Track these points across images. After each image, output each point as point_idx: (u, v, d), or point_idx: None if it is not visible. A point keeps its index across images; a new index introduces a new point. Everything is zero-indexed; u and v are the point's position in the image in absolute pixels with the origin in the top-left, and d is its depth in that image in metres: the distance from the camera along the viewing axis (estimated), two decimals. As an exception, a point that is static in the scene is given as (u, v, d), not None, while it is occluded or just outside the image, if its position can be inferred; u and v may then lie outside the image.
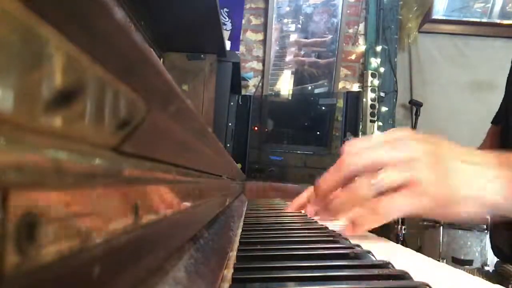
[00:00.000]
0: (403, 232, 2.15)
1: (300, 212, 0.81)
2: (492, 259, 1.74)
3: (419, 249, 2.00)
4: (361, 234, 0.59)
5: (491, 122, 0.91)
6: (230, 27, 2.60)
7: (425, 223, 2.04)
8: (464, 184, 0.42)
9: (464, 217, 0.43)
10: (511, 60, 0.85)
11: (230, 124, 2.00)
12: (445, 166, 0.43)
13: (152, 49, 0.90)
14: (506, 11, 2.85)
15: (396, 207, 0.43)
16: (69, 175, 0.11)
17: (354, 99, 2.42)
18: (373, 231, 0.61)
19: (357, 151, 0.45)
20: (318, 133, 2.55)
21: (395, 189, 0.43)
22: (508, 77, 0.86)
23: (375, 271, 0.32)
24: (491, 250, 0.88)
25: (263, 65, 2.68)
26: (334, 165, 0.47)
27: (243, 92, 2.54)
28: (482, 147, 0.91)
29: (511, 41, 2.82)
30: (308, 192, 0.80)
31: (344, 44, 2.70)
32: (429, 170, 0.42)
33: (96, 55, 0.11)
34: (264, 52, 2.68)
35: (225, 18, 2.56)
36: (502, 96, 0.88)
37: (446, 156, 0.44)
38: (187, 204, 0.27)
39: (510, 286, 0.76)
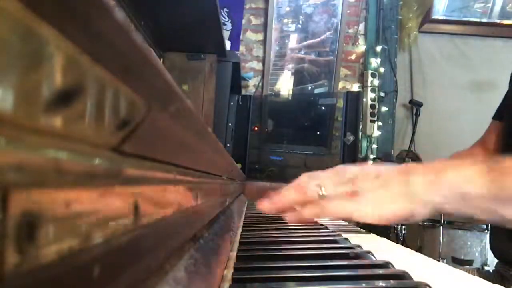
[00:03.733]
0: (403, 232, 2.15)
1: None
2: (492, 259, 1.74)
3: (419, 249, 2.00)
4: (361, 235, 0.59)
5: (493, 118, 0.90)
6: (230, 27, 2.60)
7: (425, 223, 2.04)
8: (393, 188, 0.52)
9: (401, 218, 0.52)
10: None
11: (230, 124, 2.00)
12: (379, 179, 0.53)
13: (152, 49, 0.89)
14: (506, 11, 2.85)
15: (341, 209, 0.54)
16: (69, 175, 0.11)
17: (354, 99, 2.42)
18: (373, 231, 0.62)
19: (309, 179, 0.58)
20: (318, 133, 2.55)
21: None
22: None
23: (375, 271, 0.32)
24: (491, 250, 0.88)
25: (263, 65, 2.67)
26: (291, 186, 0.60)
27: (243, 92, 2.54)
28: (482, 142, 0.90)
29: (511, 41, 2.82)
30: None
31: (344, 44, 2.70)
32: (368, 185, 0.53)
33: (96, 55, 0.11)
34: (264, 52, 2.68)
35: (225, 18, 2.56)
36: (503, 95, 0.87)
37: (382, 173, 0.54)
38: (187, 204, 0.27)
39: (510, 287, 0.76)
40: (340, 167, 0.59)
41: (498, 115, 0.89)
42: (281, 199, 0.59)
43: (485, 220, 0.51)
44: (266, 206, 0.60)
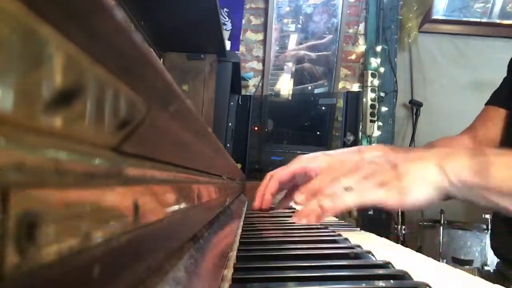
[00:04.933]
0: (403, 232, 2.15)
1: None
2: (492, 259, 1.74)
3: (419, 249, 2.00)
4: (361, 234, 0.59)
5: (490, 104, 0.87)
6: (230, 27, 2.60)
7: (425, 223, 2.04)
8: (413, 176, 0.55)
9: (424, 203, 0.55)
10: None
11: (230, 124, 2.00)
12: (398, 167, 0.56)
13: (152, 49, 0.89)
14: (506, 11, 2.85)
15: (372, 197, 0.56)
16: (69, 175, 0.11)
17: (354, 99, 2.42)
18: (372, 231, 0.62)
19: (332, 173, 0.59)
20: (318, 133, 2.55)
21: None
22: None
23: (375, 271, 0.32)
24: (491, 250, 0.88)
25: (263, 65, 2.67)
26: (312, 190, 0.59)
27: (243, 92, 2.54)
28: (472, 129, 0.88)
29: (511, 41, 2.82)
30: (264, 182, 0.79)
31: (344, 44, 2.70)
32: (389, 175, 0.56)
33: (96, 55, 0.11)
34: (264, 52, 2.68)
35: (225, 18, 2.56)
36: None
37: (397, 159, 0.57)
38: (187, 204, 0.27)
39: (511, 286, 0.76)
40: (351, 159, 0.61)
41: (495, 100, 0.86)
42: (310, 209, 0.57)
43: (490, 208, 0.56)
44: (300, 219, 0.58)
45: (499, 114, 0.84)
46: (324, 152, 0.69)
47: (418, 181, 0.55)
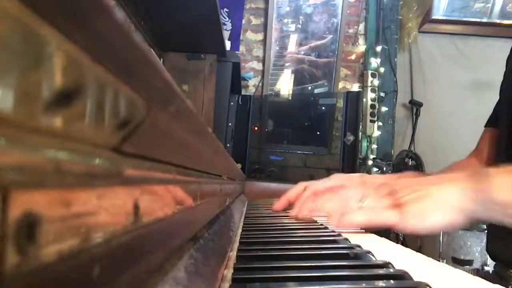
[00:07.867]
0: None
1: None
2: (492, 260, 1.74)
3: (419, 249, 2.00)
4: (360, 234, 0.59)
5: (485, 126, 0.90)
6: (230, 27, 2.60)
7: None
8: (434, 199, 0.54)
9: (443, 228, 0.54)
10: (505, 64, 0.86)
11: (230, 124, 2.00)
12: (419, 191, 0.56)
13: (152, 49, 0.89)
14: (506, 11, 2.85)
15: (385, 218, 0.56)
16: (69, 175, 0.11)
17: (354, 99, 2.42)
18: (373, 231, 0.62)
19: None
20: (318, 133, 2.55)
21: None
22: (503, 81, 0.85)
23: (375, 271, 0.32)
24: (487, 253, 0.88)
25: (263, 65, 2.67)
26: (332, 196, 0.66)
27: (243, 92, 2.54)
28: (477, 152, 0.90)
29: (511, 41, 2.82)
30: (296, 189, 0.80)
31: (344, 44, 2.70)
32: (409, 195, 0.56)
33: (96, 55, 0.11)
34: (264, 52, 2.68)
35: (225, 18, 2.56)
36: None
37: (419, 184, 0.58)
38: (187, 204, 0.27)
39: (510, 287, 0.76)
40: (380, 182, 0.63)
41: (491, 122, 0.88)
42: (322, 208, 0.64)
43: None
44: (303, 213, 0.64)
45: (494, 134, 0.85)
46: (361, 174, 0.73)
47: (439, 204, 0.53)
